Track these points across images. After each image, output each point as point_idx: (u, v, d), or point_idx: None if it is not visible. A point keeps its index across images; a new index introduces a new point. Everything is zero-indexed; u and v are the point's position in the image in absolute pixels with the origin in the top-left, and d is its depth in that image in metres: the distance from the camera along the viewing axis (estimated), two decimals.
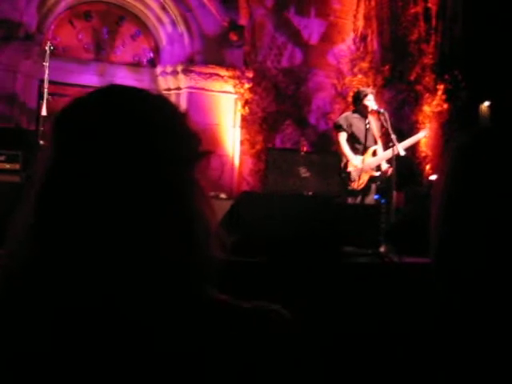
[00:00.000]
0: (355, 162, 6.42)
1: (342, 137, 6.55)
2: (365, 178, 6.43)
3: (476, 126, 1.21)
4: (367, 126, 6.43)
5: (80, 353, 0.84)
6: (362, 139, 6.47)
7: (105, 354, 0.84)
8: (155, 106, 0.95)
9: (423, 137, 7.27)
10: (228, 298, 0.92)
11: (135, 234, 0.86)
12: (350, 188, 6.44)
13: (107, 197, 0.86)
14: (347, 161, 6.47)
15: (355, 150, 6.51)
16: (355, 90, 8.63)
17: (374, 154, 6.49)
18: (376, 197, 6.70)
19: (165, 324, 0.86)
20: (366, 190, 6.48)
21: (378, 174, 6.48)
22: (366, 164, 6.42)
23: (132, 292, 0.85)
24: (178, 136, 0.93)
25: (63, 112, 0.93)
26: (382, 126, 6.38)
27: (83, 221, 0.86)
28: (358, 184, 6.43)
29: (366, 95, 6.51)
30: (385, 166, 6.42)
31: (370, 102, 6.44)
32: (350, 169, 6.45)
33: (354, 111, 6.67)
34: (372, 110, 6.43)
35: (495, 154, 1.07)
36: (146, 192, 0.88)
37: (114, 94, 0.95)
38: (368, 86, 8.72)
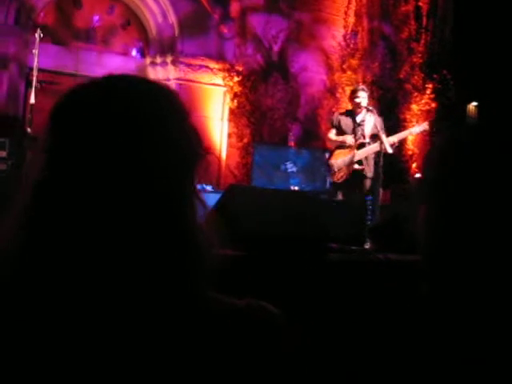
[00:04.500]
0: (349, 141, 6.47)
1: (331, 133, 6.68)
2: (346, 172, 6.47)
3: (463, 124, 1.22)
4: (359, 122, 6.48)
5: (75, 353, 0.82)
6: (349, 134, 6.52)
7: (100, 353, 0.82)
8: (160, 99, 0.91)
9: (421, 131, 6.94)
10: (221, 295, 0.91)
11: (132, 233, 0.84)
12: (331, 180, 6.55)
13: (105, 194, 0.83)
14: (331, 154, 6.60)
15: (342, 146, 6.55)
16: (344, 86, 8.70)
17: (359, 148, 6.51)
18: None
19: (161, 325, 0.84)
20: (350, 185, 6.46)
21: (359, 167, 6.47)
22: (347, 158, 6.45)
23: (128, 293, 0.84)
24: (182, 133, 0.90)
25: (61, 103, 0.89)
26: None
27: (79, 219, 0.83)
28: (338, 177, 6.47)
29: (356, 92, 6.59)
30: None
31: (360, 98, 6.49)
32: (331, 161, 6.57)
33: (347, 110, 6.82)
34: (362, 107, 6.48)
35: (483, 150, 1.07)
36: (144, 190, 0.85)
37: (114, 85, 0.91)
38: (357, 82, 8.74)
